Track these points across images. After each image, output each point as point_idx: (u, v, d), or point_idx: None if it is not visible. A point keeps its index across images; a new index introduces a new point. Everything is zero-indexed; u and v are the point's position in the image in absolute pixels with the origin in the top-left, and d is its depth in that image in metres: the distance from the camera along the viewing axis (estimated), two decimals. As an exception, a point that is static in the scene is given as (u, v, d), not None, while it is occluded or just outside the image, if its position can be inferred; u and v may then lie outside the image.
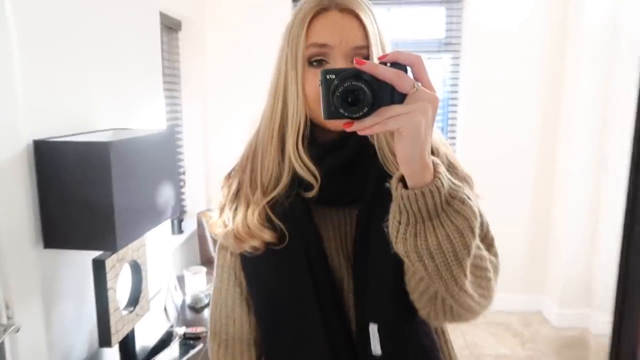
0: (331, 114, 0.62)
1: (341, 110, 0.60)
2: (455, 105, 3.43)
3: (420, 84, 0.61)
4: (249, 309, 0.92)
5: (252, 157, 0.86)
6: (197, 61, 3.25)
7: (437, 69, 3.59)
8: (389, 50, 0.79)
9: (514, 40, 3.19)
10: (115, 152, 1.37)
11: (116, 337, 1.52)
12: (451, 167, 0.85)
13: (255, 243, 0.81)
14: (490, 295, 0.76)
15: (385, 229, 0.68)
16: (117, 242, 1.39)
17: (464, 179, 0.82)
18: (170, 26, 2.99)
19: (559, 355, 2.86)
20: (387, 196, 0.71)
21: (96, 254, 1.52)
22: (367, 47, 0.76)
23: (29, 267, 1.38)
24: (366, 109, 0.59)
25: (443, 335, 0.94)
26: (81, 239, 1.40)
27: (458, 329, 3.14)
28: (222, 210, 0.88)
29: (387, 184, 0.68)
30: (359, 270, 0.81)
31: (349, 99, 0.59)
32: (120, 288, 1.58)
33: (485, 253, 0.75)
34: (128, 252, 1.60)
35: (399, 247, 0.66)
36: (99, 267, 1.47)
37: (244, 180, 0.86)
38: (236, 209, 0.85)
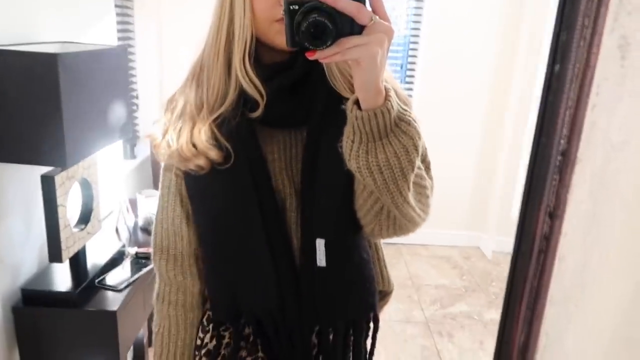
0: (294, 43, 0.66)
1: (306, 43, 0.64)
2: (416, 42, 3.43)
3: (377, 17, 0.65)
4: (194, 227, 0.94)
5: (197, 76, 0.86)
6: (152, -22, 3.07)
7: (400, 5, 3.55)
8: None
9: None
10: (63, 65, 1.32)
11: (66, 253, 1.53)
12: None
13: (201, 162, 0.82)
14: (427, 210, 0.86)
15: (340, 149, 0.75)
16: (66, 158, 1.37)
17: (405, 101, 0.86)
18: (122, -64, 2.78)
19: (492, 286, 3.09)
20: (335, 117, 0.77)
21: (46, 169, 1.50)
22: None
23: (-27, 180, 1.35)
24: (329, 41, 0.64)
25: (377, 252, 1.03)
26: (29, 154, 1.37)
27: (402, 261, 3.32)
28: (166, 132, 0.87)
29: (343, 106, 0.74)
30: (307, 189, 0.85)
31: (314, 32, 0.63)
32: (70, 206, 1.57)
33: (424, 173, 0.84)
34: (78, 170, 1.58)
35: (352, 163, 0.74)
36: (48, 183, 1.45)
37: (188, 100, 0.85)
38: (180, 129, 0.84)
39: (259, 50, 0.82)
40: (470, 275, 3.20)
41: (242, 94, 0.82)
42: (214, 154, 0.81)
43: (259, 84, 0.80)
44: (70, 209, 1.57)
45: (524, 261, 0.48)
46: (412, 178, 0.76)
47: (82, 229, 1.63)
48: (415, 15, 3.40)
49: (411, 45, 3.45)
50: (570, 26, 0.44)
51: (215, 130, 0.82)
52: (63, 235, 1.50)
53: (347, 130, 0.73)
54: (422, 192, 0.83)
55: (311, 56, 0.66)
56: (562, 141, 0.46)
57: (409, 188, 0.76)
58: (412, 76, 3.49)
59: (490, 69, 3.32)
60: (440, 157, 3.75)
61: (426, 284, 3.07)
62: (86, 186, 1.65)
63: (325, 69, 0.82)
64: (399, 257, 3.38)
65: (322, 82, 0.82)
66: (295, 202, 0.86)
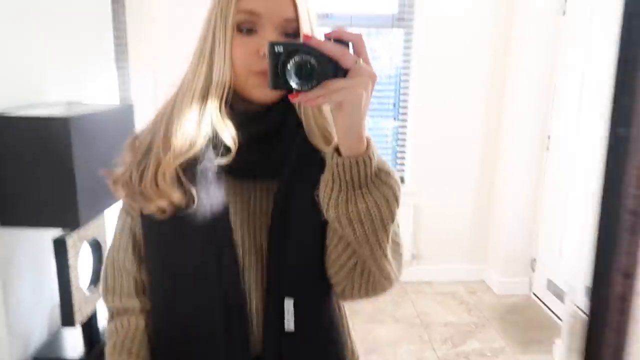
0: (278, 84, 0.65)
1: (291, 83, 0.64)
2: (407, 81, 3.50)
3: (360, 60, 0.65)
4: (146, 271, 0.89)
5: (167, 118, 0.82)
6: (145, 31, 3.12)
7: (389, 45, 3.64)
8: (316, 25, 0.81)
9: (464, 18, 3.26)
10: (75, 128, 1.32)
11: (79, 316, 1.48)
12: None
13: (163, 203, 0.78)
14: (401, 270, 0.82)
15: (316, 198, 0.74)
16: (79, 219, 1.35)
17: None
18: (116, -6, 2.84)
19: (501, 320, 3.06)
20: (309, 170, 0.76)
21: (55, 231, 1.47)
22: (297, 20, 0.76)
23: (-16, 247, 1.32)
24: (315, 82, 0.63)
25: (341, 319, 0.95)
26: (41, 217, 1.35)
27: (408, 300, 3.28)
28: (127, 170, 0.83)
29: (322, 153, 0.73)
30: (276, 244, 0.80)
31: (299, 72, 0.63)
32: (81, 267, 1.53)
33: (398, 230, 0.82)
34: (89, 230, 1.55)
35: (330, 213, 0.72)
36: (60, 246, 1.42)
37: (155, 141, 0.82)
38: (144, 169, 0.80)
39: (233, 99, 0.80)
40: (478, 310, 3.17)
41: (211, 141, 0.79)
42: (177, 196, 0.77)
43: (234, 131, 0.78)
44: (80, 269, 1.53)
45: (601, 322, 0.47)
46: (391, 230, 0.74)
47: (93, 290, 1.59)
48: (404, 55, 3.48)
49: (402, 84, 3.52)
50: (632, 90, 0.45)
51: (180, 174, 0.78)
52: (76, 298, 1.47)
53: (326, 178, 0.71)
54: (397, 250, 0.81)
55: (294, 99, 0.65)
56: (631, 201, 0.46)
57: (388, 240, 0.74)
58: (405, 113, 3.54)
59: (481, 101, 3.39)
60: (437, 192, 3.75)
61: (435, 321, 3.03)
62: (96, 246, 1.62)
63: (303, 122, 0.80)
64: (404, 295, 3.34)
65: (295, 135, 0.80)
66: (255, 259, 0.81)
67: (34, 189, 1.33)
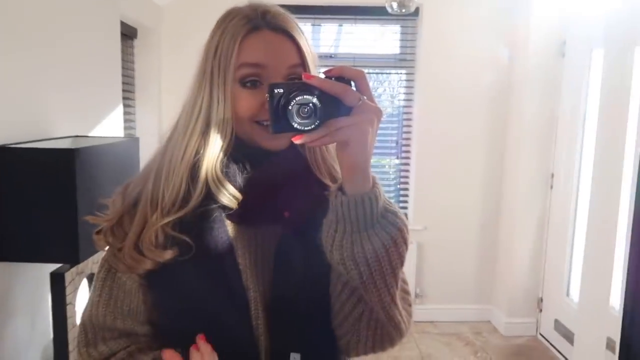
0: (280, 127, 0.63)
1: (293, 123, 0.62)
2: (409, 119, 3.53)
3: (364, 97, 0.64)
4: (134, 323, 0.80)
5: (155, 171, 0.77)
6: (153, 70, 3.17)
7: (391, 84, 3.69)
8: (316, 66, 0.79)
9: (466, 57, 3.32)
10: (80, 160, 1.31)
11: (74, 355, 1.44)
12: None
13: (149, 266, 0.73)
14: (410, 321, 0.77)
15: (319, 241, 0.70)
16: (79, 254, 1.33)
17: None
18: (125, 33, 2.90)
19: (508, 362, 2.97)
20: (311, 215, 0.73)
21: (53, 267, 1.45)
22: (302, 65, 0.75)
23: (-19, 282, 1.30)
24: (317, 121, 0.62)
25: None
26: (40, 252, 1.33)
27: (412, 340, 3.20)
28: (114, 221, 0.78)
29: (326, 192, 0.71)
30: (280, 296, 0.75)
31: (301, 113, 0.62)
32: (78, 303, 1.50)
33: (406, 278, 0.78)
34: (87, 265, 1.53)
35: (334, 255, 0.68)
36: (57, 281, 1.39)
37: (143, 194, 0.77)
38: (130, 224, 0.75)
39: (235, 147, 0.76)
40: (484, 352, 3.08)
41: (209, 195, 0.74)
42: (167, 255, 0.72)
43: (233, 190, 0.74)
44: (78, 306, 1.50)
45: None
46: (400, 274, 0.70)
47: (90, 327, 1.55)
48: (407, 93, 3.52)
49: (405, 122, 3.54)
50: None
51: (169, 230, 0.73)
52: (71, 335, 1.43)
53: (330, 219, 0.68)
54: (406, 299, 0.77)
55: (298, 140, 0.63)
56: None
57: (397, 286, 0.70)
58: (407, 151, 3.55)
59: (484, 139, 3.40)
60: (441, 230, 3.71)
61: (440, 364, 2.94)
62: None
63: (309, 158, 0.78)
64: (407, 335, 3.26)
65: (303, 178, 0.78)
66: (261, 307, 0.75)
67: (33, 223, 1.32)
